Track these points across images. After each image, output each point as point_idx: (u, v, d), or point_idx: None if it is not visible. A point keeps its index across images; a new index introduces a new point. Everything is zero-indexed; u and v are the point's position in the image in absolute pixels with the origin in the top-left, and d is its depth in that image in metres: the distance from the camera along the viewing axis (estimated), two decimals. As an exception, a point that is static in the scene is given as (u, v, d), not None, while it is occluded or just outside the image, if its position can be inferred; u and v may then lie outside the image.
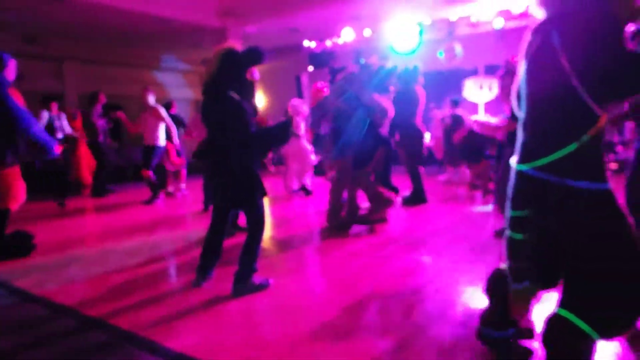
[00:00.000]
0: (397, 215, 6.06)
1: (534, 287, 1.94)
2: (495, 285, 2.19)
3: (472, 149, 7.67)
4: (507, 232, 1.95)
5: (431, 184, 8.39)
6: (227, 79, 3.34)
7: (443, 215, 6.10)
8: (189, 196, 8.53)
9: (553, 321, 1.79)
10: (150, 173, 7.94)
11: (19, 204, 4.72)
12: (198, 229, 5.59)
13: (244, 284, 3.39)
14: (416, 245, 4.58)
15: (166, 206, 7.79)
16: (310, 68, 12.67)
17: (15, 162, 4.53)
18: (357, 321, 2.84)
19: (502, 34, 10.04)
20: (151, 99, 7.91)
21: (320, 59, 11.97)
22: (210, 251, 3.60)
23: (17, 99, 4.59)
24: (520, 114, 1.95)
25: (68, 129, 8.70)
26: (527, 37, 1.90)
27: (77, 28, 11.83)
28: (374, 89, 5.27)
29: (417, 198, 6.71)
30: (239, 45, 3.42)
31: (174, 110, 9.04)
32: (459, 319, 2.79)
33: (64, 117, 8.72)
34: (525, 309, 2.07)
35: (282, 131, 3.48)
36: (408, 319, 2.84)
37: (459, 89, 10.84)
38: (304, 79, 12.64)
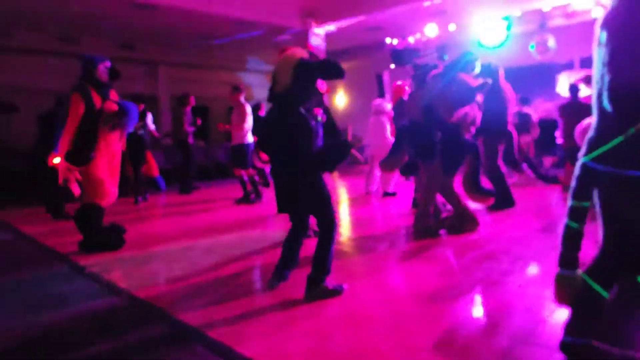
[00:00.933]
0: (482, 220, 5.70)
1: (580, 276, 2.04)
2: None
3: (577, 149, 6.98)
4: (565, 221, 2.06)
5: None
6: (300, 94, 3.24)
7: (534, 219, 5.66)
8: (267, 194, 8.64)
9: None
10: (248, 171, 7.93)
11: (110, 202, 4.99)
12: (276, 229, 5.62)
13: (316, 288, 3.30)
14: (503, 254, 4.25)
15: (248, 205, 7.92)
16: (392, 66, 12.40)
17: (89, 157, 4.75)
18: (432, 339, 2.64)
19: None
20: (241, 98, 7.96)
21: (402, 56, 11.68)
22: (288, 254, 3.55)
23: (113, 96, 4.92)
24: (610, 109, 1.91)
25: (152, 127, 9.08)
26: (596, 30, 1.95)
27: (169, 34, 12.43)
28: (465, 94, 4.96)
29: (504, 201, 6.27)
30: (304, 52, 3.31)
31: (262, 112, 9.20)
32: (551, 341, 2.51)
33: (150, 116, 9.08)
34: (569, 297, 2.10)
35: (341, 150, 3.34)
36: (491, 340, 2.60)
37: (552, 84, 10.12)
38: (386, 77, 12.41)
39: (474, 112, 5.02)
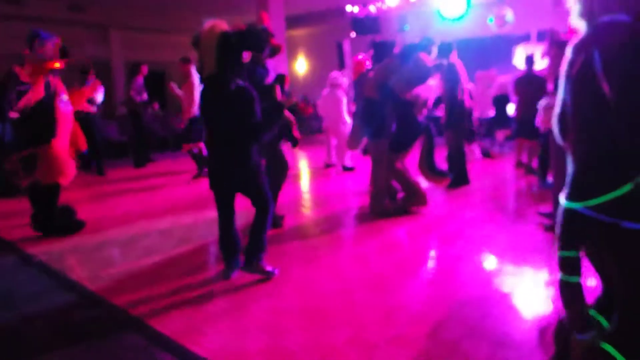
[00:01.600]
0: (439, 199, 5.82)
1: (599, 334, 1.70)
2: (559, 336, 1.97)
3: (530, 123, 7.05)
4: (560, 276, 1.74)
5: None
6: (228, 69, 3.20)
7: (487, 199, 5.82)
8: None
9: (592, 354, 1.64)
10: (198, 145, 7.74)
11: (69, 179, 4.85)
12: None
13: (251, 266, 3.47)
14: (459, 236, 4.37)
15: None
16: (353, 34, 12.23)
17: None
18: (385, 333, 2.71)
19: (560, -4, 9.31)
20: (193, 70, 7.73)
21: (363, 25, 11.52)
22: (228, 241, 3.55)
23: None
24: (560, 141, 1.75)
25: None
26: (568, 54, 1.67)
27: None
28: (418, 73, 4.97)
29: (459, 179, 6.41)
30: (223, 23, 3.26)
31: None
32: (496, 334, 2.62)
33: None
34: None
35: (275, 113, 3.41)
36: (441, 333, 2.69)
37: (509, 56, 10.23)
38: (346, 46, 12.25)
39: (427, 92, 5.06)
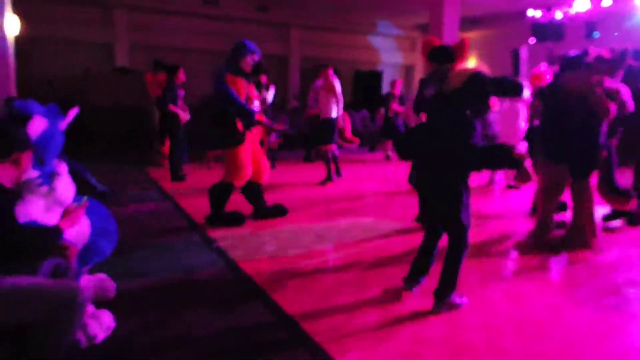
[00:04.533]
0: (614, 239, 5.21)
1: None
2: None
3: None
4: None
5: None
6: (469, 103, 3.23)
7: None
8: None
9: None
10: (334, 147, 8.13)
11: (243, 181, 5.40)
12: (380, 218, 5.76)
13: (443, 302, 3.38)
14: (630, 286, 3.93)
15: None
16: (532, 40, 11.44)
17: (241, 140, 5.19)
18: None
19: None
20: (331, 73, 8.10)
21: (544, 31, 10.71)
22: (420, 267, 3.62)
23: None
24: None
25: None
26: None
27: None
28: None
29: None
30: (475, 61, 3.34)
31: (397, 90, 9.41)
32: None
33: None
34: None
35: (505, 155, 3.19)
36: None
37: None
38: (523, 54, 11.51)
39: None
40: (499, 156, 3.20)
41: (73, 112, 3.18)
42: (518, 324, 3.27)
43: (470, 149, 3.18)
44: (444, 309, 3.36)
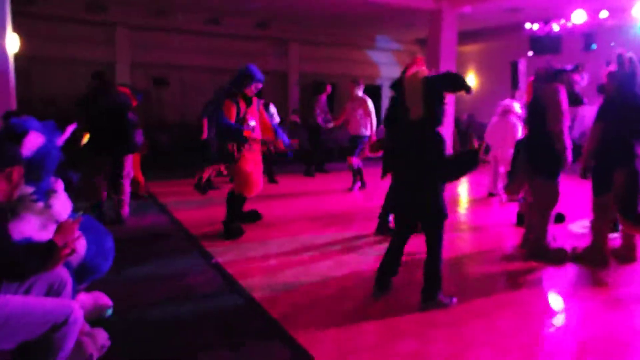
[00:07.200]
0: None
1: None
2: None
3: None
4: None
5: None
6: (435, 112, 3.42)
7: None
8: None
9: None
10: (355, 160, 8.23)
11: (255, 193, 5.50)
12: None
13: (432, 301, 3.54)
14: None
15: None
16: (530, 53, 11.49)
17: (233, 157, 5.25)
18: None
19: None
20: (359, 91, 8.16)
21: (542, 44, 10.75)
22: (388, 269, 3.80)
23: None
24: None
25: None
26: None
27: (302, 13, 12.68)
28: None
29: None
30: (424, 70, 3.52)
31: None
32: None
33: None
34: None
35: (471, 160, 3.46)
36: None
37: None
38: (522, 66, 11.56)
39: None
40: (467, 161, 3.47)
41: (70, 129, 3.17)
42: (523, 343, 3.21)
43: (445, 162, 3.46)
44: (433, 308, 3.51)
